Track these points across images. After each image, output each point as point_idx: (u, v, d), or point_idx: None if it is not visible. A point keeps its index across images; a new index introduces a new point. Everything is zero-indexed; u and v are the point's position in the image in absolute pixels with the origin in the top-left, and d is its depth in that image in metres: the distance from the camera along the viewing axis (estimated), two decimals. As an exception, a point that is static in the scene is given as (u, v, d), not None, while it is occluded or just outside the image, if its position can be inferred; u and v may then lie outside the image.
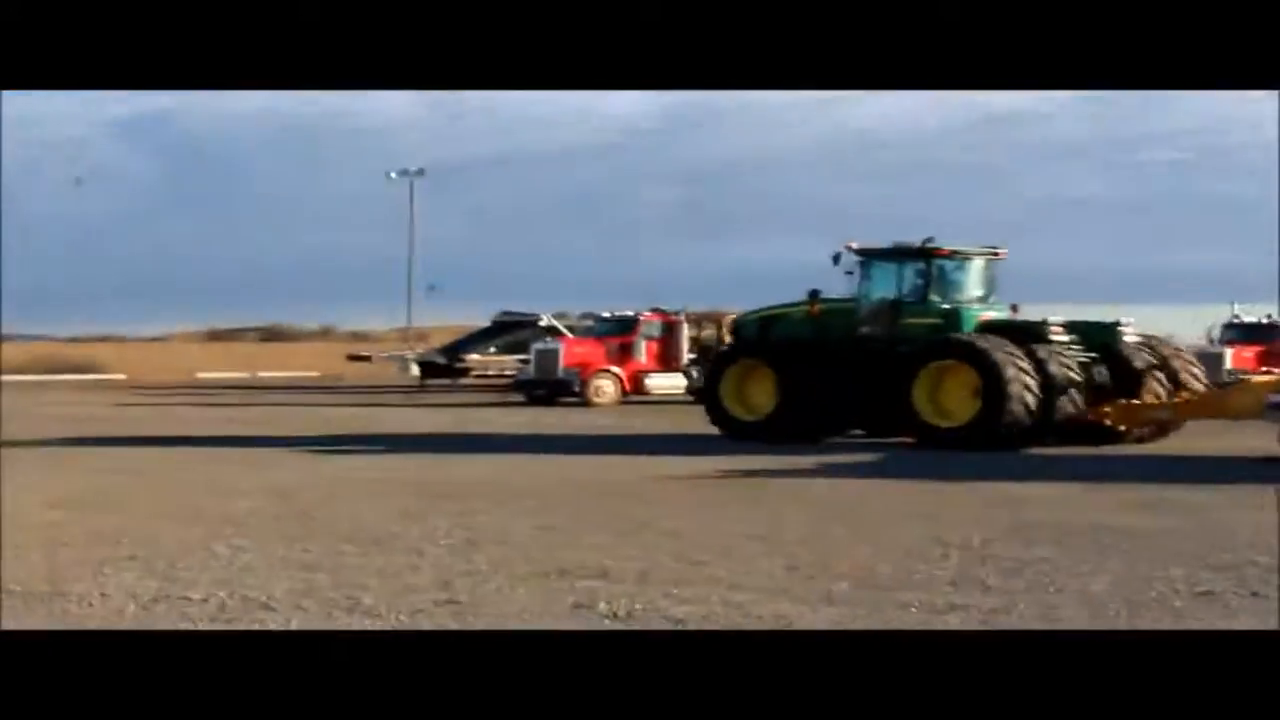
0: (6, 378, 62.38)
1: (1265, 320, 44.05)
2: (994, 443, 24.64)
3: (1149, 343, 27.34)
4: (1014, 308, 28.18)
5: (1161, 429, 26.50)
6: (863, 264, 27.83)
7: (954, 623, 9.91)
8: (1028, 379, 25.15)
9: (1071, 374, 25.74)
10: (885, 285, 27.81)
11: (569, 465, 22.18)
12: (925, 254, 27.42)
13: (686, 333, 43.61)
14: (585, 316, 50.16)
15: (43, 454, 24.30)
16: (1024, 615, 10.14)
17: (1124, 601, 10.58)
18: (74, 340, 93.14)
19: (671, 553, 12.83)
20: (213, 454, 24.34)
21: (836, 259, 27.55)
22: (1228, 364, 39.01)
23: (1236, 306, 45.95)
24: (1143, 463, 22.68)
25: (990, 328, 26.66)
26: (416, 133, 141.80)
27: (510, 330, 49.99)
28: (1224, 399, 25.95)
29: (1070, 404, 25.58)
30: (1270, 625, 9.93)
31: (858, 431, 27.33)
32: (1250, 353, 41.24)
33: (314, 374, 69.17)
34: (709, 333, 43.66)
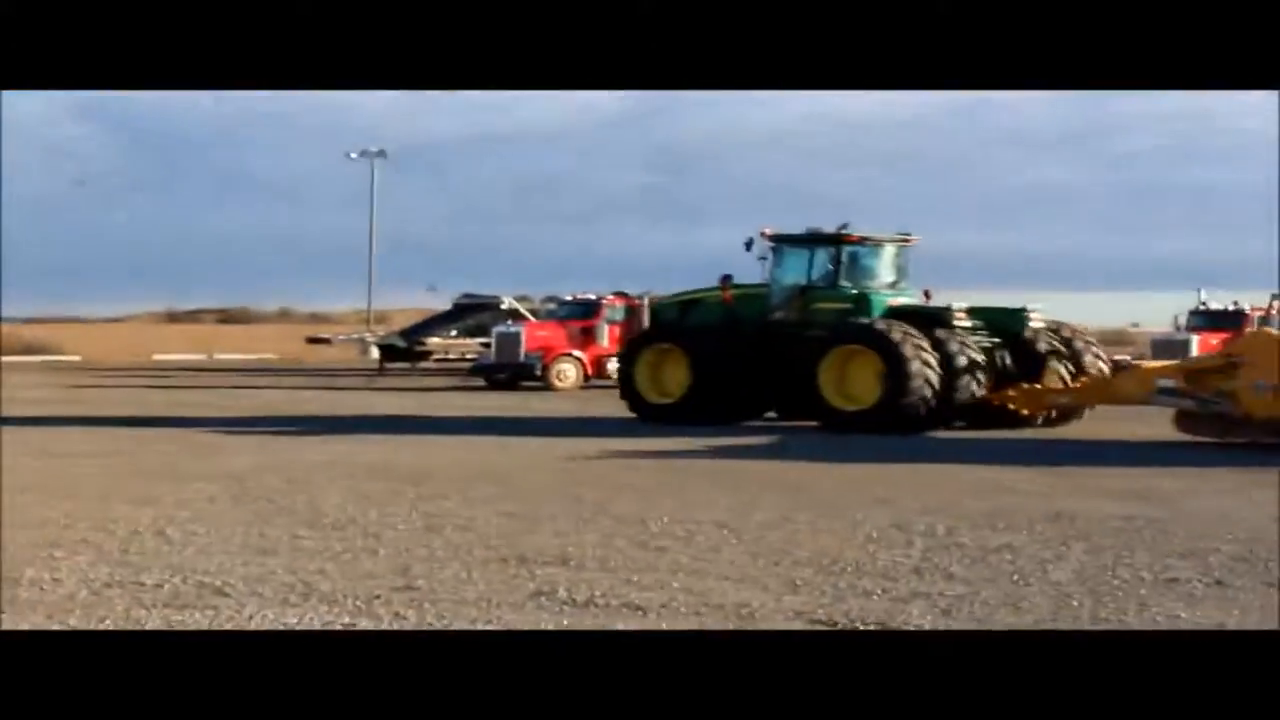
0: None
1: (1231, 308, 44.23)
2: (896, 426, 25.31)
3: (1056, 328, 27.98)
4: (926, 293, 28.88)
5: (1066, 414, 27.21)
6: (775, 250, 28.56)
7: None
8: (929, 363, 25.83)
9: (974, 358, 26.41)
10: (797, 271, 28.53)
11: (529, 448, 22.10)
12: (835, 240, 28.15)
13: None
14: (548, 300, 50.00)
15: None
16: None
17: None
18: (30, 321, 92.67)
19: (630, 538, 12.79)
20: (168, 437, 24.18)
21: (749, 245, 28.35)
22: (1193, 351, 39.16)
23: (1203, 293, 46.14)
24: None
25: (897, 313, 27.26)
26: (378, 113, 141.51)
27: (471, 313, 49.77)
28: (1114, 384, 26.58)
29: (972, 388, 26.27)
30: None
31: (771, 414, 27.90)
32: (1217, 339, 41.32)
33: (273, 356, 69.00)
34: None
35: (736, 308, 28.76)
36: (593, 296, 44.13)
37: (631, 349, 29.88)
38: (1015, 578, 11.17)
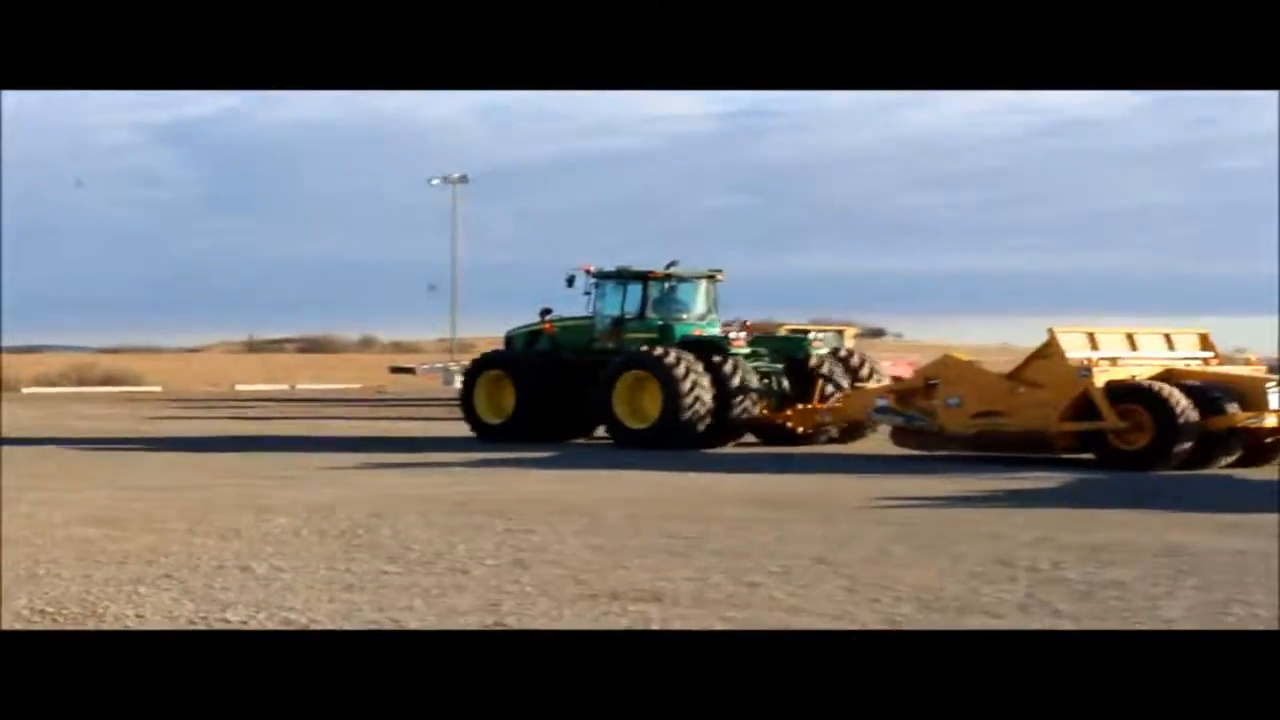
0: (35, 390, 63.06)
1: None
2: (675, 441, 29.66)
3: (839, 356, 33.40)
4: (745, 324, 33.39)
5: (851, 431, 31.43)
6: (596, 285, 33.16)
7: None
8: (701, 387, 30.09)
9: (747, 381, 30.76)
10: (614, 304, 33.01)
11: (621, 481, 22.24)
12: (644, 276, 32.78)
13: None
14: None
15: (73, 469, 24.53)
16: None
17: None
18: (108, 351, 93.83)
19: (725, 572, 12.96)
20: (251, 469, 24.51)
21: (570, 281, 33.04)
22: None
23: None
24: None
25: (684, 343, 31.43)
26: (463, 139, 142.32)
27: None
28: (842, 404, 30.64)
29: (747, 407, 30.64)
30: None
31: (599, 431, 31.95)
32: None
33: (355, 386, 69.53)
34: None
35: (563, 337, 33.46)
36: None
37: (470, 375, 34.20)
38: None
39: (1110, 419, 25.66)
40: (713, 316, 33.26)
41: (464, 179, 77.78)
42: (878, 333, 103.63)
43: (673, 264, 33.12)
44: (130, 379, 70.52)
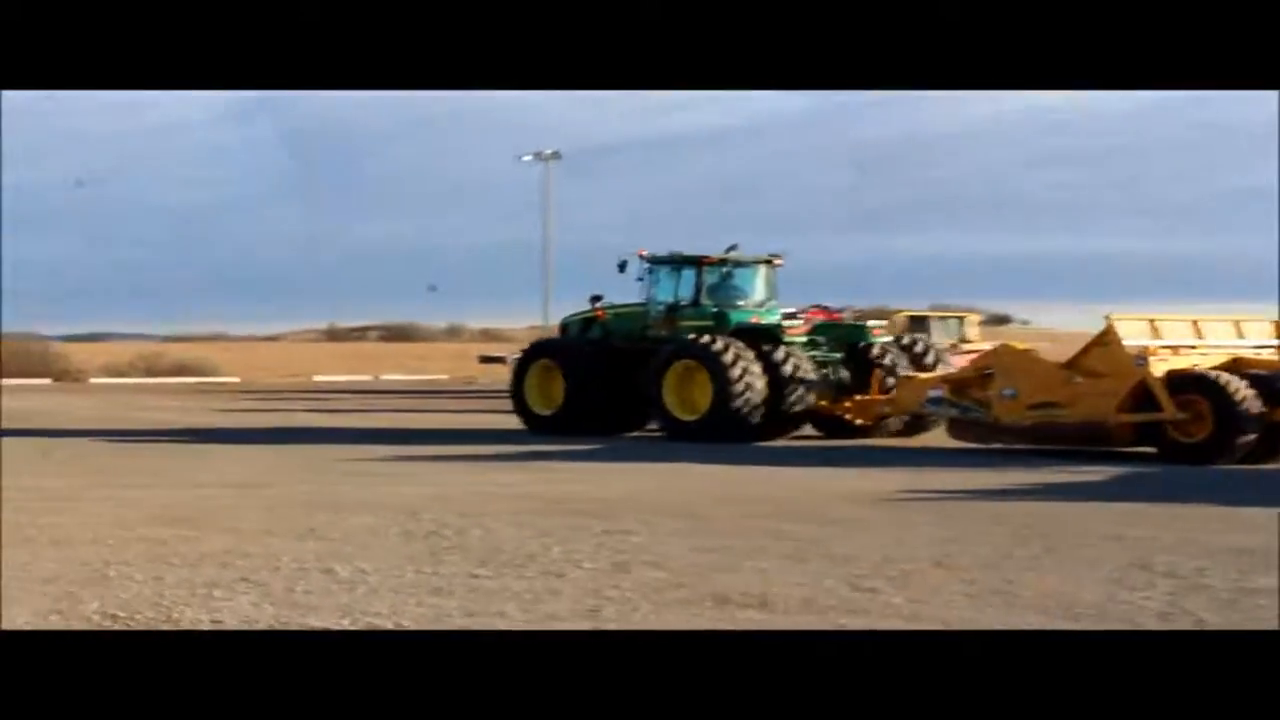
0: (103, 380, 63.46)
1: None
2: (727, 434, 29.45)
3: (902, 344, 32.73)
4: (809, 311, 33.17)
5: (915, 423, 30.99)
6: (651, 271, 33.05)
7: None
8: (752, 377, 29.90)
9: (802, 372, 30.44)
10: (668, 291, 32.90)
11: (721, 478, 21.97)
12: (697, 261, 32.64)
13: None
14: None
15: (143, 464, 24.47)
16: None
17: None
18: (176, 339, 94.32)
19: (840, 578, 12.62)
20: (330, 464, 24.37)
21: (623, 266, 32.84)
22: None
23: None
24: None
25: (737, 331, 31.13)
26: (552, 116, 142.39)
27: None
28: (894, 395, 30.28)
29: (801, 399, 30.39)
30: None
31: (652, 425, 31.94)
32: None
33: (442, 377, 69.62)
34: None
35: (616, 325, 33.44)
36: (790, 310, 43.77)
37: (521, 364, 34.34)
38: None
39: (1168, 409, 25.41)
40: (772, 303, 33.02)
41: (556, 155, 77.37)
42: (1002, 319, 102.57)
43: (732, 248, 33.03)
44: (203, 369, 70.75)
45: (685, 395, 30.70)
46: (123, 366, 69.68)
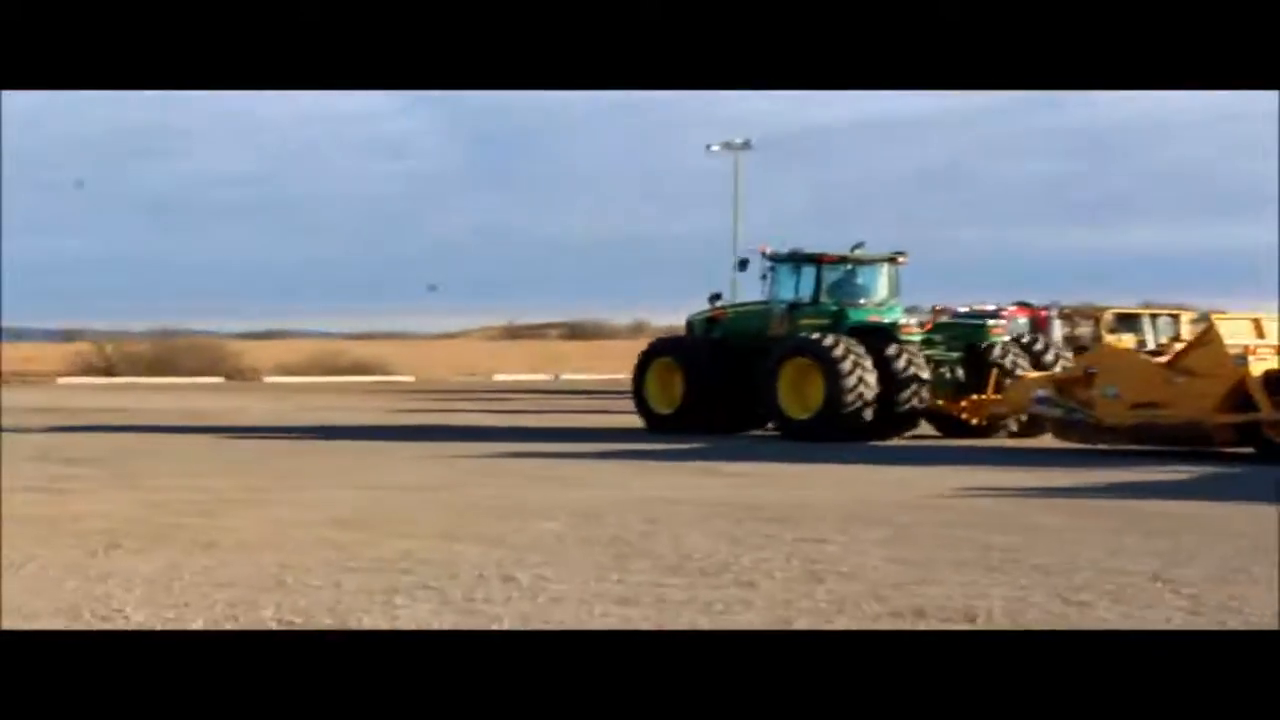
0: (278, 380, 64.42)
1: None
2: (839, 433, 30.61)
3: (1023, 342, 34.11)
4: (937, 309, 35.38)
5: (1032, 423, 31.36)
6: (771, 269, 34.17)
7: None
8: (865, 375, 30.88)
9: (916, 371, 31.34)
10: (789, 289, 33.93)
11: (919, 480, 21.94)
12: (817, 259, 33.61)
13: (1059, 331, 42.68)
14: (940, 311, 49.55)
15: (319, 465, 24.86)
16: None
17: None
18: (355, 336, 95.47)
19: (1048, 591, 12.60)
20: (511, 468, 24.61)
21: (743, 264, 34.74)
22: None
23: None
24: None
25: (852, 330, 32.10)
26: (744, 102, 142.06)
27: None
28: (1003, 395, 31.16)
29: (915, 398, 31.39)
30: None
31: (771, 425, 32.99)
32: None
33: (625, 377, 69.69)
34: (1084, 330, 42.69)
35: (736, 323, 34.66)
36: (991, 307, 43.52)
37: (642, 362, 35.42)
38: None
39: (1265, 409, 25.79)
40: (894, 301, 33.98)
41: (747, 145, 77.28)
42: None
43: (858, 246, 33.96)
44: (380, 367, 71.61)
45: (799, 394, 31.79)
46: (298, 365, 70.65)
